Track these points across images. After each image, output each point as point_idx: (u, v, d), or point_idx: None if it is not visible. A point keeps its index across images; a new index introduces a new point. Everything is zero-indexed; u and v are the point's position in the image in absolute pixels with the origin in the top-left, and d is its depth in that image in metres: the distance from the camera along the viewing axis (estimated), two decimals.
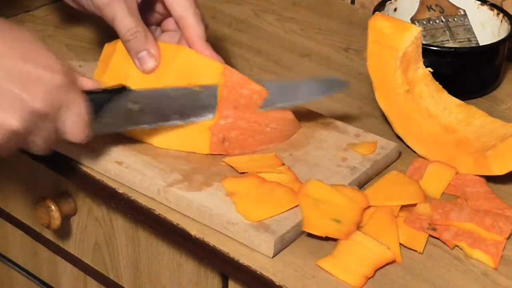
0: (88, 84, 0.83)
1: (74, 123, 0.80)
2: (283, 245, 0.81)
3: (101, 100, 0.84)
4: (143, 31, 0.90)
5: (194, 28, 0.92)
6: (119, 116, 0.86)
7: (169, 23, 0.98)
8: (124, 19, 0.90)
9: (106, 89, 0.85)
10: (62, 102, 0.78)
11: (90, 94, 0.82)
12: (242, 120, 0.90)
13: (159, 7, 0.97)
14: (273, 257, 0.80)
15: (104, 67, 0.93)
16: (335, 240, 0.81)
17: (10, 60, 0.75)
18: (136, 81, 0.89)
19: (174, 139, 0.90)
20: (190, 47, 0.92)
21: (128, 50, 0.91)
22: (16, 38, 0.77)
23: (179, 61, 0.90)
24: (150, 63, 0.90)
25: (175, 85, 0.89)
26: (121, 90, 0.86)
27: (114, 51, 0.92)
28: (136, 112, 0.86)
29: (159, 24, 0.99)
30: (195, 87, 0.89)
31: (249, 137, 0.90)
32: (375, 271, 0.78)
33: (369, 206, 0.84)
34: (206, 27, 0.94)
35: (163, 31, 0.99)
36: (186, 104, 0.89)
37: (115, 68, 0.92)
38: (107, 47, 0.95)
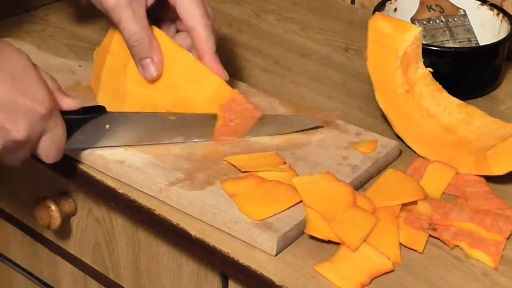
0: (69, 104, 0.83)
1: (50, 148, 0.81)
2: (285, 243, 0.81)
3: (79, 121, 0.85)
4: (148, 38, 0.90)
5: (204, 41, 0.92)
6: (95, 135, 0.87)
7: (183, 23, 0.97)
8: (129, 24, 0.89)
9: (85, 108, 0.85)
10: (42, 130, 0.79)
11: (69, 114, 0.83)
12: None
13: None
14: (275, 255, 0.80)
15: (97, 77, 0.95)
16: (336, 243, 0.81)
17: None
18: (133, 92, 0.91)
19: None
20: (199, 58, 0.92)
21: (132, 56, 0.91)
22: (5, 61, 0.76)
23: (178, 66, 0.91)
24: (152, 71, 0.90)
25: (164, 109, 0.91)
26: (99, 110, 0.86)
27: (104, 61, 0.93)
28: (112, 132, 0.88)
29: (174, 20, 0.98)
30: (169, 114, 0.90)
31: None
32: (372, 279, 0.78)
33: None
34: (216, 35, 0.94)
35: (178, 31, 0.98)
36: (157, 129, 0.90)
37: (108, 80, 0.94)
38: (97, 56, 0.96)
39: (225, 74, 0.93)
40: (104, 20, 1.18)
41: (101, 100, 0.94)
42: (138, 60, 0.90)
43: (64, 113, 0.82)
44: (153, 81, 0.91)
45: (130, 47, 0.90)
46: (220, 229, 0.83)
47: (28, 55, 0.79)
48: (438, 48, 1.04)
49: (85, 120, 0.85)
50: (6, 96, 0.75)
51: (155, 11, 0.93)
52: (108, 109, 0.88)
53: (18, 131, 0.76)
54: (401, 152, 0.95)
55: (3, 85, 0.75)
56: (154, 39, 0.90)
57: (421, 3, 1.11)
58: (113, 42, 0.93)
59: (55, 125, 0.80)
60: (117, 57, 0.93)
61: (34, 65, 0.79)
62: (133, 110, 0.91)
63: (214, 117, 0.91)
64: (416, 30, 0.95)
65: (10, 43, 0.79)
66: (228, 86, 0.92)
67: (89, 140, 0.87)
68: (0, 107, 0.75)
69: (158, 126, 0.90)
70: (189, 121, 0.91)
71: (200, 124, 0.91)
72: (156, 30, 0.92)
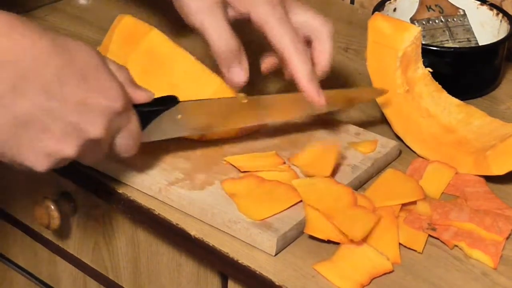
0: (141, 96, 0.81)
1: (127, 142, 0.79)
2: (285, 243, 0.81)
3: (152, 113, 0.83)
4: (237, 45, 0.89)
5: (297, 68, 0.89)
6: (167, 126, 0.85)
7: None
8: (215, 31, 0.88)
9: (157, 99, 0.83)
10: (118, 127, 0.77)
11: (141, 106, 0.81)
12: None
13: None
14: (275, 255, 0.80)
15: None
16: (336, 243, 0.81)
17: (68, 86, 0.72)
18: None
19: None
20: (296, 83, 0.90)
21: (219, 62, 0.89)
22: (74, 58, 0.73)
23: (177, 67, 0.91)
24: (242, 77, 0.89)
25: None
26: (171, 100, 0.84)
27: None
28: (184, 121, 0.86)
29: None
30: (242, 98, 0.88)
31: None
32: (372, 280, 0.78)
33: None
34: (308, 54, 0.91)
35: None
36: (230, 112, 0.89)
37: None
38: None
39: (321, 100, 0.89)
40: (103, 20, 1.18)
41: None
42: (227, 67, 0.89)
43: (136, 105, 0.80)
44: (240, 86, 0.90)
45: (217, 54, 0.89)
46: (219, 229, 0.83)
47: (97, 50, 0.76)
48: (438, 48, 1.04)
49: (158, 112, 0.83)
50: (79, 95, 0.73)
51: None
52: None
53: (95, 130, 0.74)
54: (400, 152, 0.95)
55: (75, 84, 0.72)
56: (241, 45, 0.89)
57: (421, 3, 1.11)
58: (113, 42, 0.93)
59: (130, 120, 0.78)
60: (116, 56, 0.93)
61: (104, 60, 0.76)
62: None
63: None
64: (415, 30, 0.95)
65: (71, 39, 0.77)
66: (229, 89, 0.91)
67: (161, 131, 0.85)
68: (74, 107, 0.72)
69: (231, 110, 0.88)
70: (263, 103, 0.90)
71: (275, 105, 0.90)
72: (154, 29, 0.92)
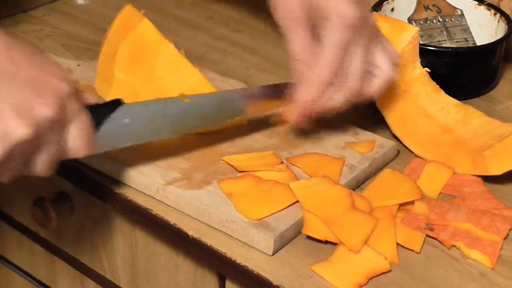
0: (90, 98, 0.81)
1: (78, 138, 0.78)
2: (282, 243, 0.81)
3: (98, 115, 0.81)
4: (311, 56, 0.87)
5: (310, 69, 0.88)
6: (117, 132, 0.83)
7: None
8: (299, 43, 0.87)
9: (105, 103, 0.83)
10: (69, 113, 0.76)
11: (90, 109, 0.80)
12: None
13: None
14: (272, 255, 0.80)
15: (104, 78, 0.96)
16: (333, 243, 0.81)
17: (19, 64, 0.72)
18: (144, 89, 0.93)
19: None
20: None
21: (295, 71, 0.89)
22: (24, 49, 0.75)
23: (161, 57, 0.93)
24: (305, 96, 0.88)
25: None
26: (117, 104, 0.83)
27: (114, 62, 0.94)
28: (133, 127, 0.84)
29: None
30: (184, 97, 0.87)
31: None
32: (369, 280, 0.78)
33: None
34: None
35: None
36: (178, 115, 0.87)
37: (102, 65, 0.96)
38: (103, 56, 0.97)
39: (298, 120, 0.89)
40: (101, 20, 1.18)
41: (97, 85, 0.97)
42: (298, 76, 0.88)
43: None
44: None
45: (295, 63, 0.88)
46: (217, 229, 0.83)
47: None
48: (435, 48, 1.04)
49: (103, 114, 0.82)
50: (32, 75, 0.73)
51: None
52: (99, 94, 0.89)
53: (47, 108, 0.73)
54: (398, 152, 0.95)
55: (25, 63, 0.73)
56: (315, 56, 0.87)
57: (418, 3, 1.11)
58: (111, 30, 0.96)
59: (79, 112, 0.77)
60: (111, 44, 0.95)
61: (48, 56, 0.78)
62: (118, 95, 0.88)
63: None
64: (413, 30, 0.95)
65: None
66: (209, 84, 0.93)
67: (112, 138, 0.83)
68: (25, 86, 0.72)
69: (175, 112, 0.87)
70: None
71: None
72: (144, 19, 0.94)
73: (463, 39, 1.11)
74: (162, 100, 0.86)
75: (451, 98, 0.97)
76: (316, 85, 0.87)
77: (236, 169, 0.88)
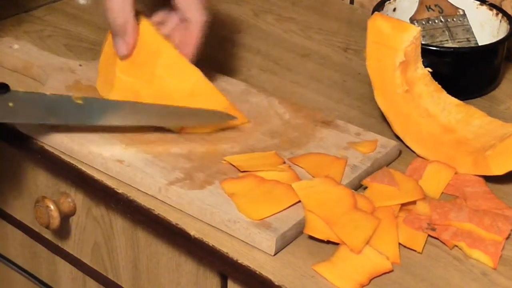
0: None
1: None
2: (284, 243, 0.81)
3: None
4: (124, 18, 0.91)
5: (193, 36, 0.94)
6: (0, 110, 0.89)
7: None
8: (111, 2, 0.91)
9: None
10: None
11: None
12: None
13: None
14: (274, 255, 0.80)
15: (105, 79, 0.96)
16: (335, 243, 0.81)
17: None
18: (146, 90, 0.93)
19: None
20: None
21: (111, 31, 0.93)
22: None
23: (161, 59, 0.93)
24: (122, 49, 0.93)
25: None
26: (2, 87, 0.89)
27: (115, 62, 0.94)
28: (15, 109, 0.89)
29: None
30: (78, 99, 0.90)
31: None
32: (371, 280, 0.78)
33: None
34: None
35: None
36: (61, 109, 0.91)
37: (103, 65, 0.96)
38: (104, 56, 0.97)
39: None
40: (102, 20, 1.18)
41: (99, 85, 0.97)
42: (113, 36, 0.93)
43: None
44: (122, 59, 0.93)
45: (109, 23, 0.93)
46: (219, 229, 0.83)
47: None
48: (437, 48, 1.04)
49: None
50: None
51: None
52: (101, 94, 0.91)
53: None
54: (400, 152, 0.95)
55: None
56: (131, 20, 0.92)
57: (420, 3, 1.11)
58: None
59: None
60: (112, 44, 0.95)
61: None
62: (120, 96, 0.92)
63: None
64: (415, 30, 0.95)
65: None
66: (210, 84, 0.94)
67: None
68: None
69: (65, 109, 0.91)
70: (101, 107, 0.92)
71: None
72: (144, 21, 0.94)
73: (465, 39, 1.10)
74: (51, 95, 0.91)
75: (453, 98, 0.97)
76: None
77: (238, 169, 0.88)
